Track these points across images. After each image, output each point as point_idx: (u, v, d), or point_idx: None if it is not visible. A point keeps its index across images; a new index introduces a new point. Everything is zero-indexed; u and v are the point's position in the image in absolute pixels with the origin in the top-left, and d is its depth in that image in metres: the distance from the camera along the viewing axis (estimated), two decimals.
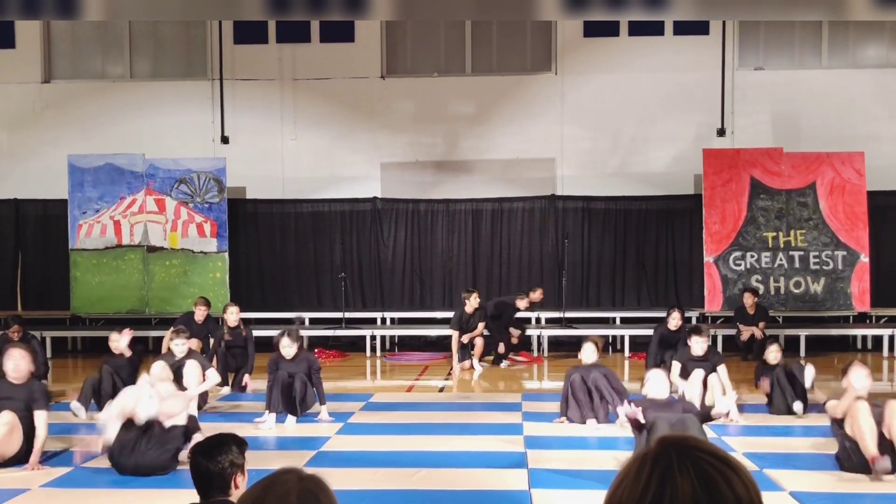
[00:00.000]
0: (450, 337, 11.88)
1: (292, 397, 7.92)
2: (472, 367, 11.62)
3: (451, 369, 11.56)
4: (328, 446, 7.07)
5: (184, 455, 5.81)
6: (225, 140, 14.58)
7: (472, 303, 11.70)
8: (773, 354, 8.65)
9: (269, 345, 13.86)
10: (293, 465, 1.70)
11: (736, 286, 13.16)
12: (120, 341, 8.88)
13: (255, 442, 7.22)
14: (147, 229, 13.82)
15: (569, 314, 13.36)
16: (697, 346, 8.16)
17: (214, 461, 3.33)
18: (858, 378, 6.31)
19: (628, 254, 14.36)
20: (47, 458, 6.54)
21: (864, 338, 13.55)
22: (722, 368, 8.17)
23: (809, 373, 8.01)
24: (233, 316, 10.35)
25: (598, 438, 7.34)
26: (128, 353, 8.85)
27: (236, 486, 3.34)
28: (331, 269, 14.46)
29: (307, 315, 13.71)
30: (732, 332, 12.39)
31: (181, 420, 6.28)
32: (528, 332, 13.48)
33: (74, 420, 8.02)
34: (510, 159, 14.55)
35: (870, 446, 5.95)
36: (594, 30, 14.26)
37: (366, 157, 14.66)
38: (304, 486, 1.63)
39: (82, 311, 13.88)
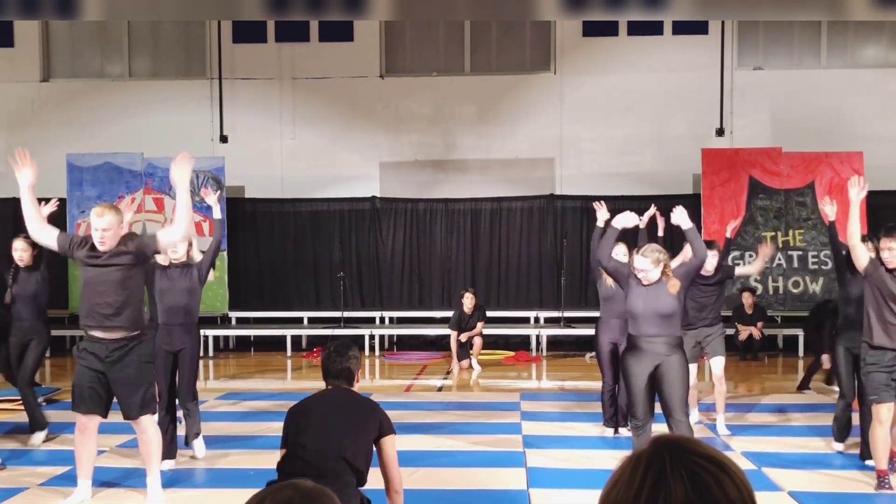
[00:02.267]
0: (448, 336, 11.89)
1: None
2: (470, 366, 11.64)
3: (451, 369, 11.57)
4: None
5: None
6: (224, 139, 14.57)
7: (467, 302, 11.72)
8: None
9: (269, 344, 13.98)
10: (301, 480, 1.64)
11: (734, 286, 13.15)
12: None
13: (251, 442, 7.23)
14: (145, 228, 13.80)
15: (567, 314, 13.36)
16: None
17: (345, 357, 4.22)
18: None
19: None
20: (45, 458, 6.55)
21: None
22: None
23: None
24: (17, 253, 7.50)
25: (597, 438, 7.34)
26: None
27: (357, 381, 4.25)
28: (329, 268, 14.46)
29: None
30: (731, 331, 12.38)
31: None
32: (527, 331, 13.50)
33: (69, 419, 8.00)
34: (509, 159, 14.55)
35: (880, 460, 5.72)
36: (593, 29, 14.26)
37: (365, 156, 14.66)
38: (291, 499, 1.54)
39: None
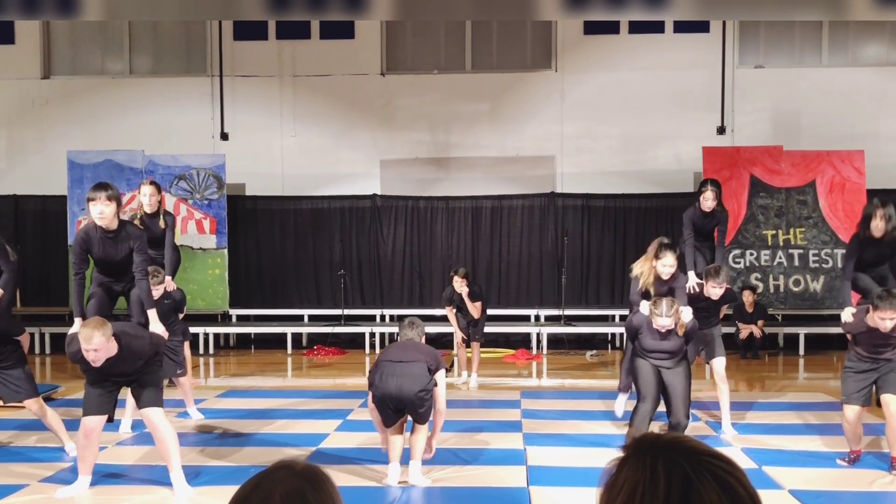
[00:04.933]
0: (450, 335, 11.76)
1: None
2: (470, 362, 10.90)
3: (455, 354, 10.89)
4: (326, 443, 7.07)
5: None
6: (224, 136, 14.57)
7: (457, 286, 9.90)
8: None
9: (270, 342, 13.98)
10: (293, 458, 1.60)
11: (735, 284, 13.15)
12: None
13: (252, 439, 7.23)
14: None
15: (568, 312, 13.37)
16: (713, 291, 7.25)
17: (415, 327, 6.21)
18: None
19: (628, 252, 14.31)
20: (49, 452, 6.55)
21: None
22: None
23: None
24: None
25: (597, 436, 7.34)
26: None
27: (422, 337, 6.30)
28: (330, 266, 14.45)
29: None
30: (731, 330, 12.38)
31: None
32: (527, 329, 13.49)
33: (70, 416, 8.00)
34: (510, 157, 14.54)
35: (850, 442, 6.31)
36: (594, 27, 14.25)
37: (365, 154, 14.65)
38: (294, 486, 1.50)
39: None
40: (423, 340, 6.20)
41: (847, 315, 6.32)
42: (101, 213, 5.74)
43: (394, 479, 5.79)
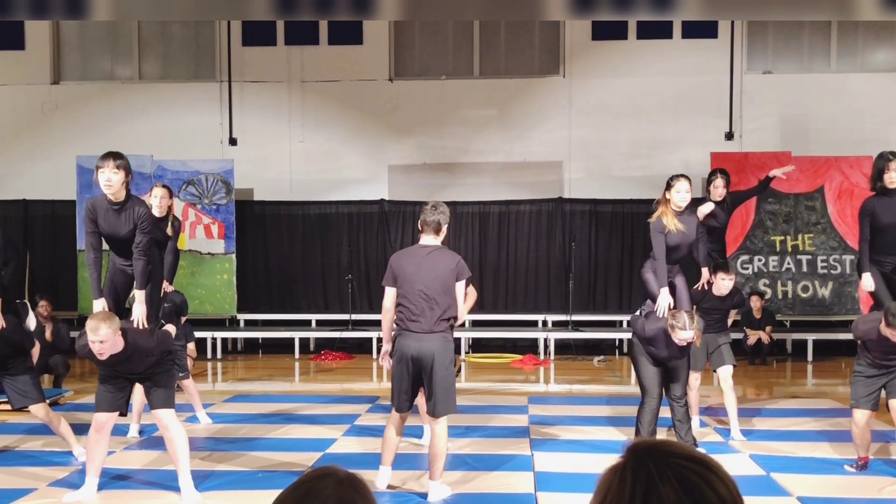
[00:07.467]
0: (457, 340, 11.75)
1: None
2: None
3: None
4: (334, 448, 7.08)
5: None
6: (233, 142, 14.61)
7: None
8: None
9: (278, 346, 13.99)
10: (332, 466, 1.61)
11: (743, 290, 13.11)
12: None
13: (259, 444, 7.24)
14: None
15: (575, 317, 13.35)
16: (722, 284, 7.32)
17: (437, 212, 5.87)
18: None
19: (636, 257, 14.31)
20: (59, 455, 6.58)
21: None
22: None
23: None
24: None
25: (604, 442, 7.33)
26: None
27: (442, 231, 5.93)
28: (338, 270, 14.47)
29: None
30: (739, 336, 12.34)
31: None
32: (535, 335, 13.47)
33: (78, 420, 8.02)
34: (518, 162, 14.55)
35: (858, 448, 6.31)
36: (602, 33, 14.26)
37: (373, 159, 14.67)
38: (344, 495, 1.52)
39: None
40: (445, 231, 5.80)
41: (867, 281, 6.35)
42: (109, 180, 5.57)
43: (383, 482, 5.75)
